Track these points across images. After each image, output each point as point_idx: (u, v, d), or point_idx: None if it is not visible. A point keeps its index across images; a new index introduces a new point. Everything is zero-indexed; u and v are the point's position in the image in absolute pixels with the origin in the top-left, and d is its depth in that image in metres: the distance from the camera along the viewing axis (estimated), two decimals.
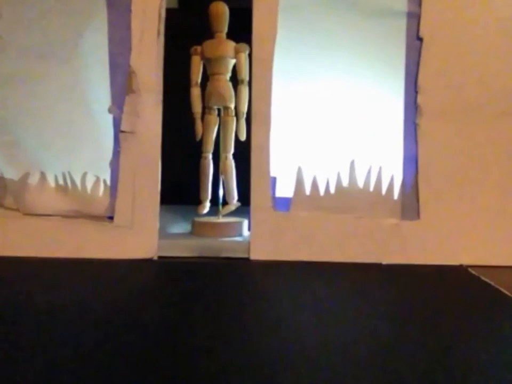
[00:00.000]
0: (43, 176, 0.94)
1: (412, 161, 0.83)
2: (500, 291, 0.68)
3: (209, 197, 1.00)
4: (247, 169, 0.88)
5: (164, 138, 0.89)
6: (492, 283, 0.71)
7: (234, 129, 0.96)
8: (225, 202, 1.00)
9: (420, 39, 0.81)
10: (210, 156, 1.00)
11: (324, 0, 0.86)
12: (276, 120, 0.88)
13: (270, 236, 0.87)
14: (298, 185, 0.88)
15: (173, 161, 0.97)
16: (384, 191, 0.85)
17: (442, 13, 0.80)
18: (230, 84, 0.96)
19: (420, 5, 0.81)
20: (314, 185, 0.88)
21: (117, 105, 0.89)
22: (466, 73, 0.80)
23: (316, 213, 0.87)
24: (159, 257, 0.87)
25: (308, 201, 0.88)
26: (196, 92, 0.98)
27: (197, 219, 0.99)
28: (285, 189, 0.89)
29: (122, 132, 0.88)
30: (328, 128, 0.88)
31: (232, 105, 0.96)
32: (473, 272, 0.78)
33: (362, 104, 0.86)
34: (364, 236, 0.85)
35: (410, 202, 0.84)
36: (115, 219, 0.89)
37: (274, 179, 0.88)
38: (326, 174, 0.88)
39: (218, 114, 0.98)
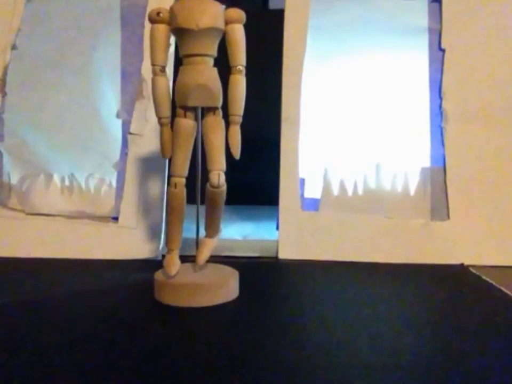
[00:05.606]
0: (49, 176, 0.90)
1: (439, 163, 0.86)
2: None
3: (180, 245, 0.64)
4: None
5: None
6: None
7: (224, 136, 0.60)
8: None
9: (442, 50, 0.87)
10: (183, 182, 0.61)
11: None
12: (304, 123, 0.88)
13: (298, 236, 0.85)
14: (326, 186, 0.87)
15: None
16: (412, 192, 0.86)
17: (462, 26, 0.86)
18: (216, 72, 0.60)
19: (440, 22, 0.88)
20: (342, 186, 0.87)
21: (127, 111, 0.89)
22: (487, 79, 0.85)
23: (345, 213, 0.86)
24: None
25: (336, 201, 0.87)
26: (161, 83, 0.59)
27: (159, 276, 0.63)
28: (313, 191, 0.88)
29: (131, 134, 0.87)
30: (354, 131, 0.90)
31: (220, 105, 0.60)
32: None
33: (388, 107, 0.89)
34: (393, 236, 0.84)
35: (439, 202, 0.85)
36: (120, 220, 0.85)
37: (302, 180, 0.87)
38: (352, 176, 0.88)
39: (196, 119, 0.60)
